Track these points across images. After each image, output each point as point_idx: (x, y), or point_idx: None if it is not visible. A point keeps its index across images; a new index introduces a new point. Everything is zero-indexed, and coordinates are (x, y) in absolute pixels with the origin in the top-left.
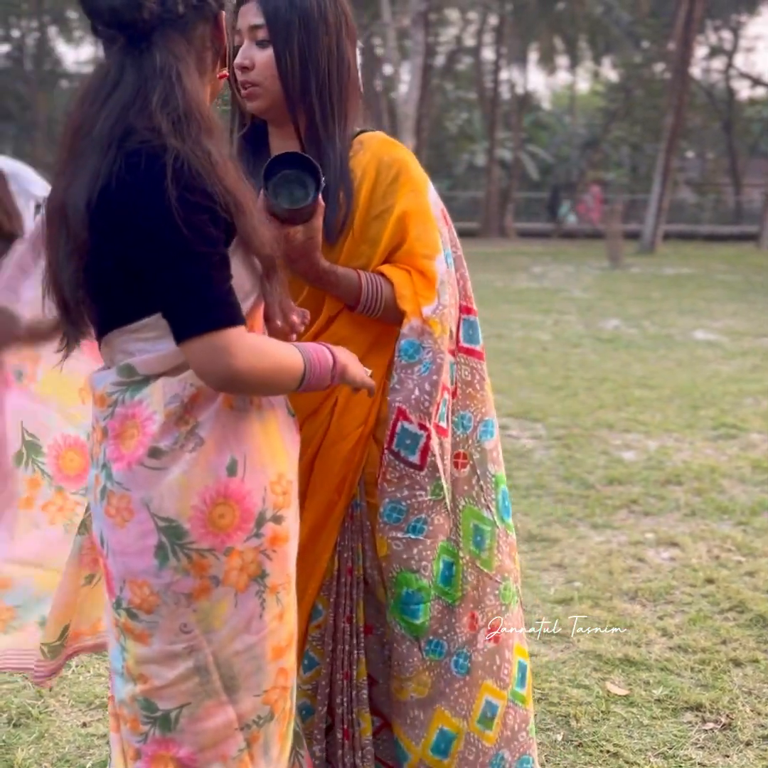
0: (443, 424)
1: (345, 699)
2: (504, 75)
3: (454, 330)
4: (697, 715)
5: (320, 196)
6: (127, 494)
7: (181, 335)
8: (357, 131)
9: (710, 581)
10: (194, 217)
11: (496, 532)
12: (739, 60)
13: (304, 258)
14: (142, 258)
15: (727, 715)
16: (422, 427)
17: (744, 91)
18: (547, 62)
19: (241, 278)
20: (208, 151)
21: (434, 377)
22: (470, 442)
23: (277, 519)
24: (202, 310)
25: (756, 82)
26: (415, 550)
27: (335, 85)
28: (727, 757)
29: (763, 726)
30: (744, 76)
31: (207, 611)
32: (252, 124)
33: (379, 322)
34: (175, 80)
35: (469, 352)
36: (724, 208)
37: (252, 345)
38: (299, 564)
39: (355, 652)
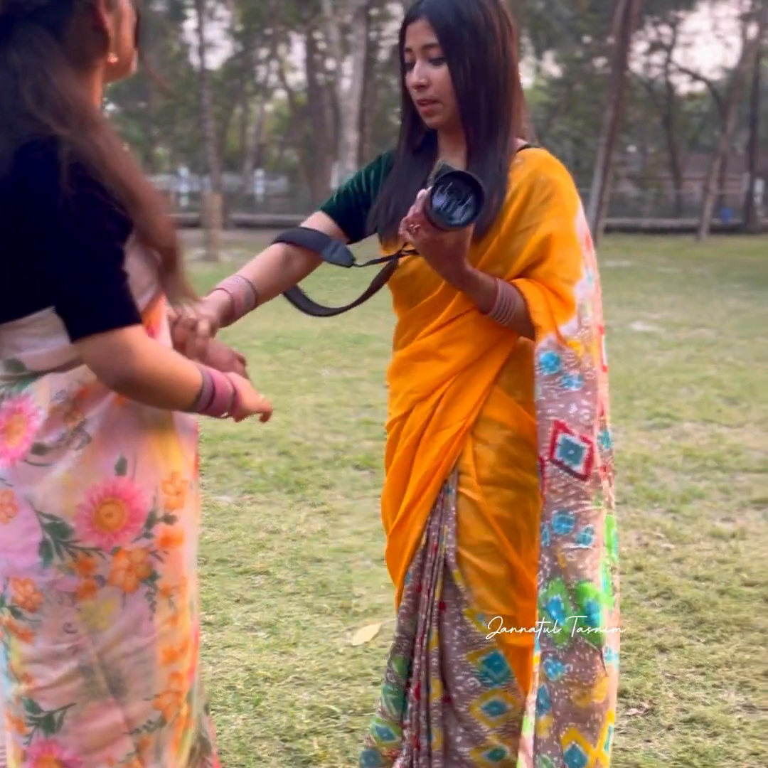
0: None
1: (417, 662)
2: None
3: (598, 351)
4: (621, 701)
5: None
6: (10, 490)
7: (76, 332)
8: (522, 145)
9: (639, 568)
10: (89, 211)
11: None
12: (678, 55)
13: (451, 261)
14: (35, 252)
15: (651, 701)
16: (585, 439)
17: (683, 85)
18: None
19: (139, 273)
20: (96, 144)
21: (588, 393)
22: (610, 457)
23: (169, 519)
24: (99, 307)
25: (695, 77)
26: (587, 560)
27: (503, 90)
28: (649, 741)
29: (684, 710)
30: (683, 71)
31: (92, 611)
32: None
33: (501, 328)
34: (43, 79)
35: (605, 371)
36: (665, 201)
37: (153, 348)
38: (396, 536)
39: (428, 622)
